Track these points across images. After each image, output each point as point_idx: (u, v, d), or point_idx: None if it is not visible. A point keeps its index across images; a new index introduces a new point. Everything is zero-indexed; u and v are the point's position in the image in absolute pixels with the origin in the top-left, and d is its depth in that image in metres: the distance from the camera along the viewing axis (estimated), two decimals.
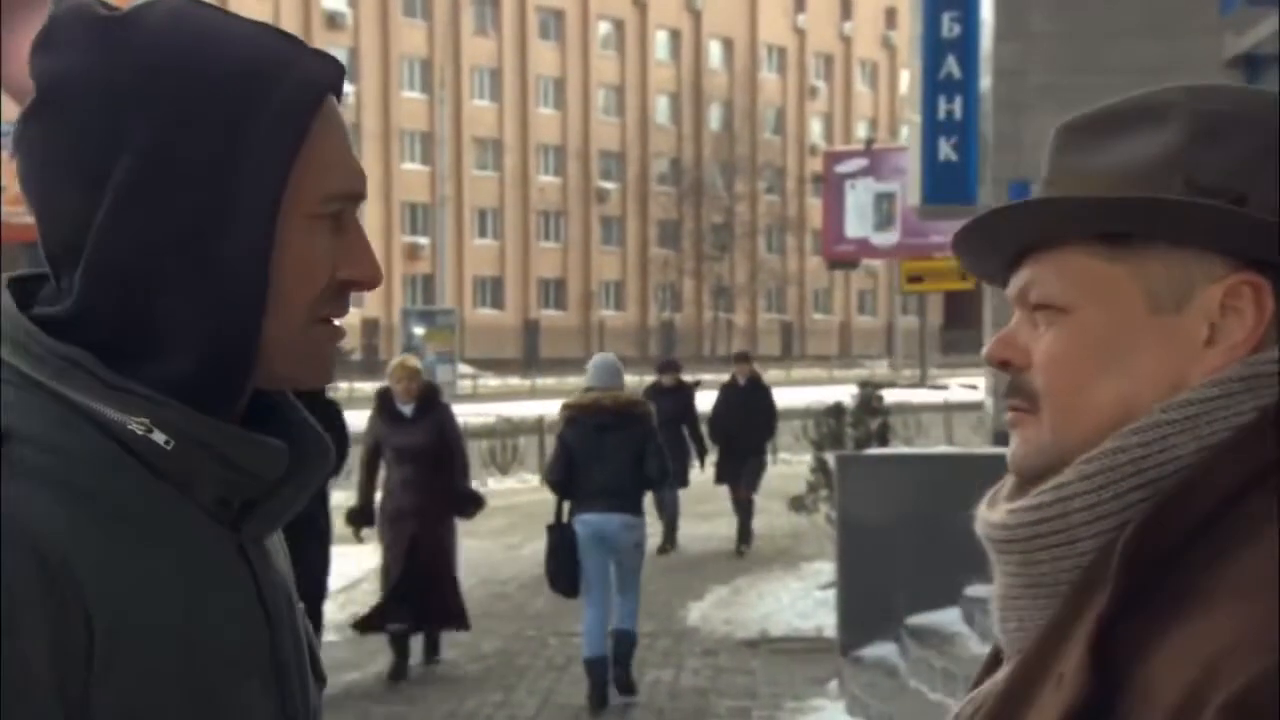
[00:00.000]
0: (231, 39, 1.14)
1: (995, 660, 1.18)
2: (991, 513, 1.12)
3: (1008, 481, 1.15)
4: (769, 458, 15.37)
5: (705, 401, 14.65)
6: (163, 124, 1.10)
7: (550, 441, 22.01)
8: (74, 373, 1.10)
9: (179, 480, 1.12)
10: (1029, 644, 1.06)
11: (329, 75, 1.17)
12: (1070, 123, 1.14)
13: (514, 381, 46.90)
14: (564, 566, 7.90)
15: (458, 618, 8.94)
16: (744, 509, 14.24)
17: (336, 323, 1.20)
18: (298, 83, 1.14)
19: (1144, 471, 1.03)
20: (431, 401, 8.86)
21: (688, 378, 14.79)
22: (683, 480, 13.95)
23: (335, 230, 1.17)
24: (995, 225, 1.13)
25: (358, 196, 1.19)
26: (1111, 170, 1.09)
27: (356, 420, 8.87)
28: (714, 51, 70.37)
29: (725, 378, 15.04)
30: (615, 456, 7.83)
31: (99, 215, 1.11)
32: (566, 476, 7.93)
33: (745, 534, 14.15)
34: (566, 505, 8.06)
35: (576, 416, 8.02)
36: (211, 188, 1.11)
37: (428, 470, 8.63)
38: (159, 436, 1.10)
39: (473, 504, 8.95)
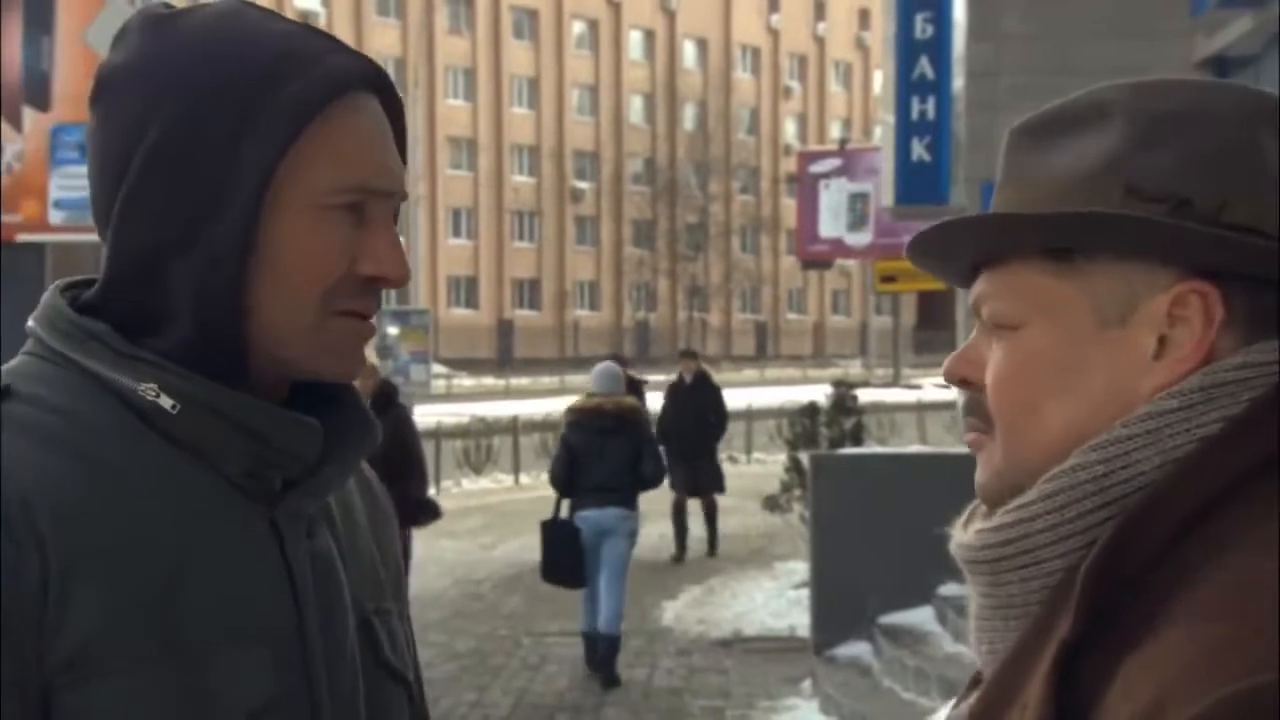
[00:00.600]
0: (265, 37, 1.19)
1: (977, 681, 1.14)
2: (963, 534, 1.09)
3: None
4: (722, 457, 14.99)
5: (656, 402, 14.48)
6: (179, 114, 1.16)
7: (524, 442, 22.02)
8: (91, 344, 1.17)
9: (195, 447, 1.16)
10: (995, 669, 1.03)
11: (353, 71, 1.20)
12: (1023, 124, 1.10)
13: (488, 381, 46.84)
14: (567, 559, 8.52)
15: None
16: (710, 513, 13.89)
17: (364, 319, 1.22)
18: (315, 76, 1.17)
19: (1107, 490, 0.99)
20: (388, 401, 8.16)
21: (635, 375, 13.54)
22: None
23: (357, 224, 1.19)
24: (942, 241, 1.10)
25: (377, 191, 1.20)
26: (1055, 177, 1.05)
27: None
28: (688, 51, 70.40)
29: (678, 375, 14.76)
30: (615, 457, 8.57)
31: (115, 208, 1.18)
32: (569, 474, 8.64)
33: (712, 539, 13.86)
34: (565, 502, 8.79)
35: (580, 420, 8.77)
36: (213, 175, 1.16)
37: (381, 476, 8.32)
38: (165, 401, 1.15)
39: (428, 513, 8.41)
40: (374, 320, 1.24)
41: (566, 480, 8.66)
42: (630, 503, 8.70)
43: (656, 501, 13.80)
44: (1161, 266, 1.01)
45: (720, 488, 14.02)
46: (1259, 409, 0.98)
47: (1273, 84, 10.16)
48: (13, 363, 1.20)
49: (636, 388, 13.10)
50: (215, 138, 1.16)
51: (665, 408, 13.99)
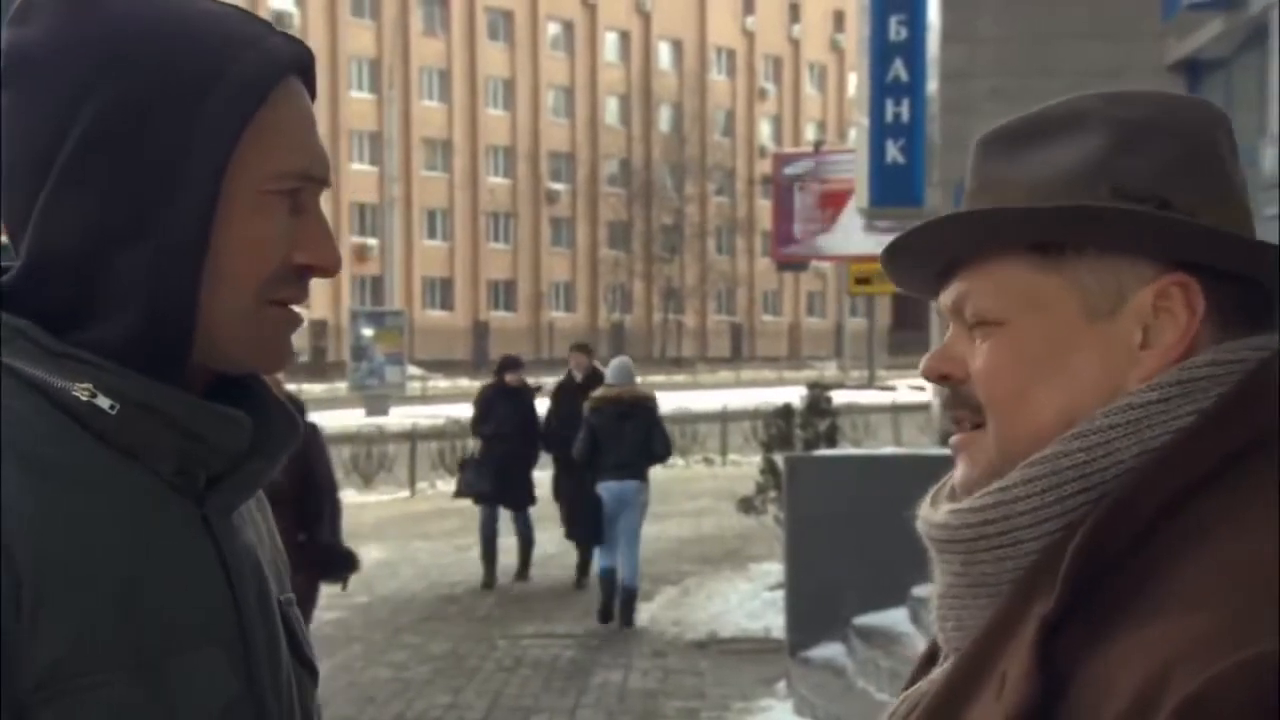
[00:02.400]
0: (196, 19, 1.15)
1: (930, 658, 1.19)
2: (933, 512, 1.13)
3: (949, 480, 1.16)
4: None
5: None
6: (119, 95, 1.12)
7: None
8: (17, 341, 1.12)
9: (129, 447, 1.12)
10: (969, 643, 1.07)
11: (292, 56, 1.18)
12: (990, 134, 1.15)
13: (464, 383, 46.67)
14: (588, 521, 10.46)
15: None
16: (583, 547, 11.60)
17: (294, 309, 1.19)
18: (256, 60, 1.15)
19: (1087, 475, 1.04)
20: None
21: (530, 380, 12.63)
22: (528, 497, 12.11)
23: (293, 212, 1.17)
24: (925, 239, 1.13)
25: (315, 179, 1.18)
26: (1036, 179, 1.09)
27: None
28: (663, 53, 70.42)
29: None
30: (630, 438, 10.33)
31: (44, 192, 1.12)
32: (591, 452, 10.42)
33: (584, 567, 11.69)
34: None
35: (600, 407, 10.53)
36: (159, 163, 1.12)
37: (286, 514, 7.20)
38: (103, 401, 1.11)
39: (344, 566, 6.41)
40: (301, 310, 1.21)
41: (590, 457, 10.40)
42: (643, 477, 10.48)
43: (666, 500, 13.82)
44: (1146, 260, 1.06)
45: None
46: (1227, 404, 1.04)
47: (1244, 86, 10.25)
48: None
49: (527, 393, 12.14)
50: (162, 121, 1.12)
51: (550, 411, 12.10)
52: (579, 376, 12.21)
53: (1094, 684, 0.96)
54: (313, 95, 1.22)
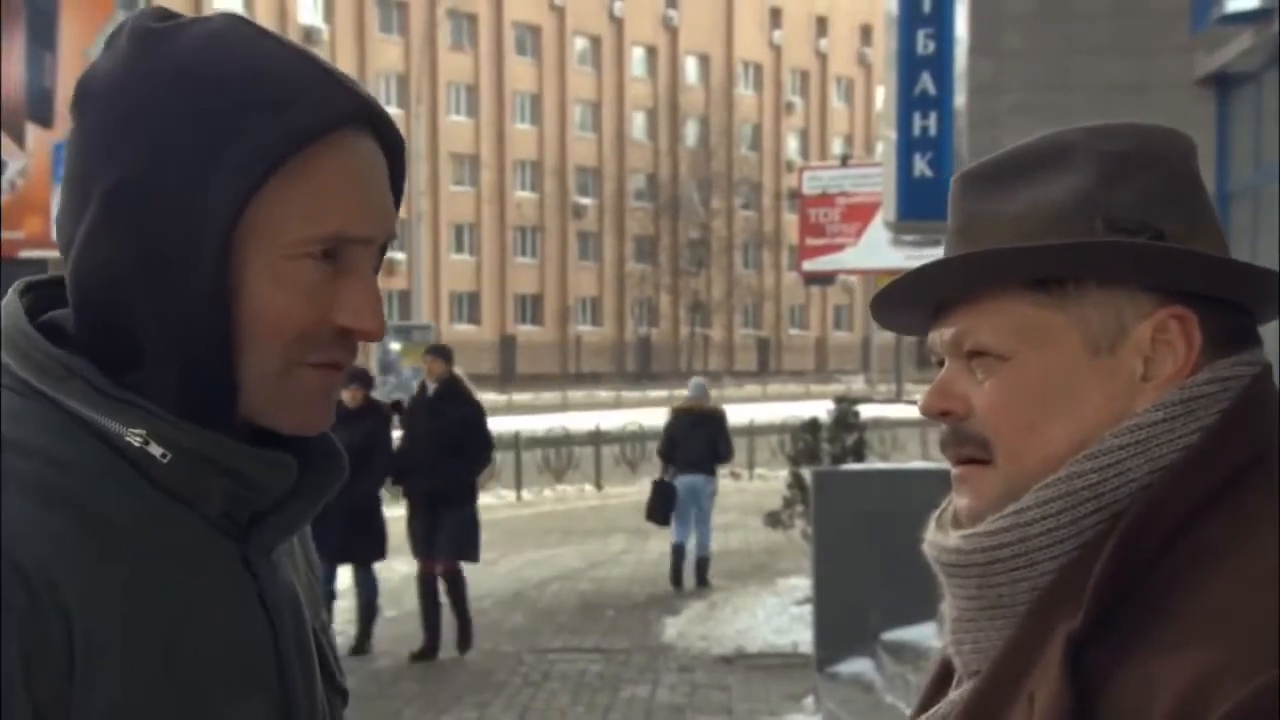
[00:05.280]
0: (255, 64, 1.10)
1: (942, 679, 1.19)
2: (944, 538, 1.13)
3: (949, 505, 1.16)
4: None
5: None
6: (146, 143, 1.09)
7: (526, 458, 22.10)
8: (73, 382, 1.10)
9: (178, 492, 1.11)
10: (990, 664, 1.07)
11: (339, 110, 1.11)
12: (971, 171, 1.15)
13: (491, 396, 46.69)
14: (663, 508, 12.88)
15: None
16: (453, 590, 9.71)
17: (336, 368, 1.15)
18: (295, 114, 1.09)
19: (1100, 496, 1.06)
20: None
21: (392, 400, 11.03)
22: (378, 550, 9.64)
23: (334, 271, 1.13)
24: (925, 281, 1.14)
25: (355, 240, 1.13)
26: (1025, 215, 1.10)
27: None
28: (690, 68, 70.49)
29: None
30: (700, 440, 13.04)
31: (82, 224, 1.11)
32: (671, 451, 13.22)
33: (432, 635, 9.68)
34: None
35: (678, 416, 13.44)
36: (180, 214, 1.08)
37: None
38: (155, 449, 1.10)
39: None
40: (344, 369, 1.16)
41: (669, 454, 13.21)
42: (710, 472, 13.17)
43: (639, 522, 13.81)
44: (1143, 293, 1.08)
45: (469, 553, 9.77)
46: (1230, 420, 1.06)
47: (1273, 100, 10.18)
48: None
49: (380, 413, 9.81)
50: (182, 173, 1.08)
51: (404, 434, 10.00)
52: (432, 388, 9.80)
53: (1125, 702, 0.96)
54: (393, 142, 1.17)
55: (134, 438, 1.09)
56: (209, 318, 1.09)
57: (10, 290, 1.17)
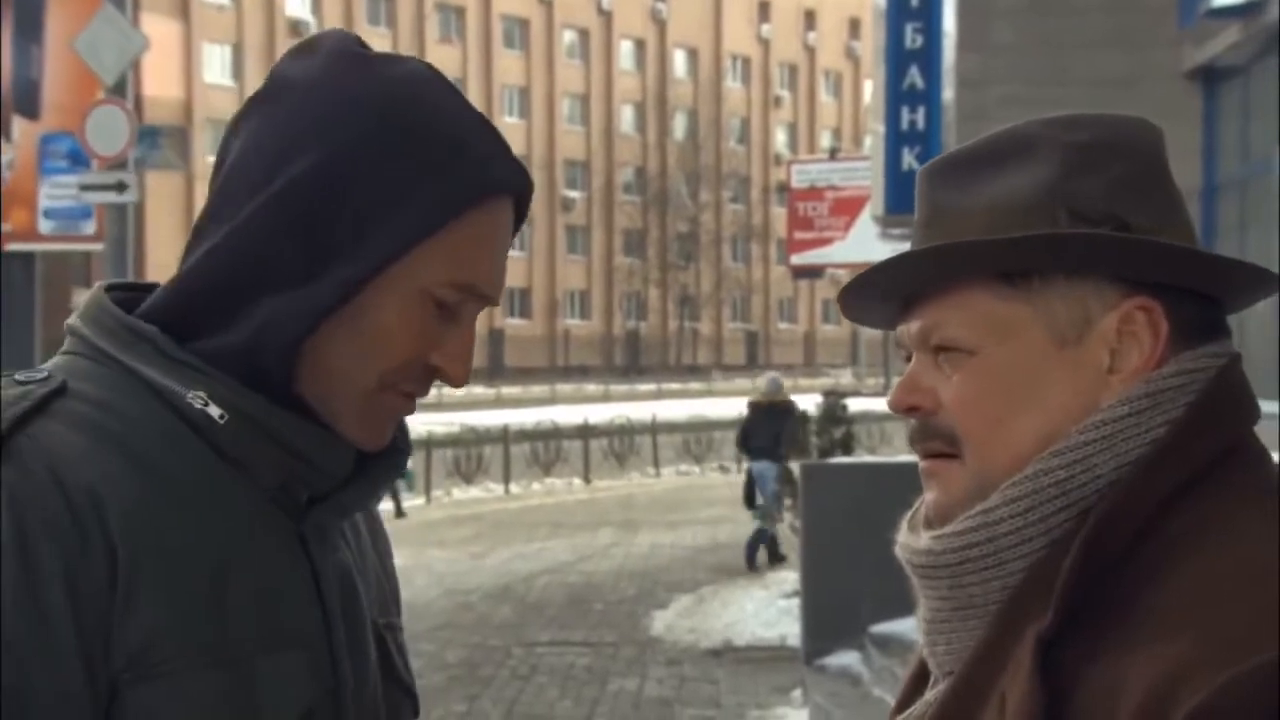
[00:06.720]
0: (439, 116, 1.19)
1: (919, 678, 1.19)
2: (915, 539, 1.13)
3: (921, 505, 1.16)
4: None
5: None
6: (329, 158, 1.16)
7: (515, 451, 22.11)
8: (140, 345, 1.17)
9: (236, 458, 1.16)
10: (962, 665, 1.07)
11: (505, 181, 1.20)
12: (935, 164, 1.15)
13: (479, 390, 46.78)
14: (749, 494, 14.05)
15: None
16: None
17: (410, 400, 1.22)
18: (468, 180, 1.18)
19: (1068, 493, 1.05)
20: None
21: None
22: None
23: (446, 317, 1.20)
24: (890, 275, 1.13)
25: (479, 296, 1.21)
26: (991, 207, 1.10)
27: None
28: (679, 61, 70.48)
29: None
30: (770, 431, 14.03)
31: (242, 213, 1.17)
32: (746, 440, 14.50)
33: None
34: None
35: (753, 409, 14.59)
36: (340, 231, 1.15)
37: None
38: (214, 410, 1.15)
39: None
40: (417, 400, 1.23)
41: (744, 443, 14.61)
42: (779, 459, 13.85)
43: (681, 509, 13.80)
44: (1109, 284, 1.07)
45: None
46: (1196, 414, 1.06)
47: (1261, 93, 10.23)
48: (55, 360, 1.20)
49: None
50: (357, 199, 1.16)
51: None
52: None
53: (1096, 699, 0.97)
54: (522, 218, 1.25)
55: (195, 399, 1.15)
56: (306, 322, 1.15)
57: (95, 287, 1.24)
